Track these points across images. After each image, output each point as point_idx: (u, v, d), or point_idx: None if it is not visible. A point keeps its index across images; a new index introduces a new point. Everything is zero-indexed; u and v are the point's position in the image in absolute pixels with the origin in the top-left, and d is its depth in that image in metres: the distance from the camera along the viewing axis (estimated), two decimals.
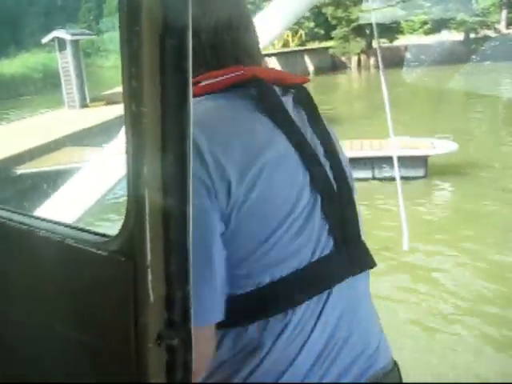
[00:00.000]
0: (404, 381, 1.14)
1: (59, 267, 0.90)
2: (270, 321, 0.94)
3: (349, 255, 1.01)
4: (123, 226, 0.74)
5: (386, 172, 8.90)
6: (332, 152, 1.06)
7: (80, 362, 0.89)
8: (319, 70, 27.82)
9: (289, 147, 0.98)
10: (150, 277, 0.73)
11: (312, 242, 0.97)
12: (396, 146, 8.93)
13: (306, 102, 1.08)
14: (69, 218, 1.86)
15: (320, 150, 1.03)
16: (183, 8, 0.63)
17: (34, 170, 9.50)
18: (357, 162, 8.86)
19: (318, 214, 0.98)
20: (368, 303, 1.08)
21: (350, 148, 9.13)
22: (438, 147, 8.95)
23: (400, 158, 8.85)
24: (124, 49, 0.65)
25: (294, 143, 0.99)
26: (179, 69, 0.65)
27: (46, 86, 28.59)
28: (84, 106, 16.01)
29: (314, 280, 0.97)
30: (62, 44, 15.80)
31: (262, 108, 0.99)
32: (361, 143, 9.42)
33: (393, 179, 9.04)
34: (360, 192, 1.15)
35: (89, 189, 2.10)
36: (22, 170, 9.45)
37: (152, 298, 0.73)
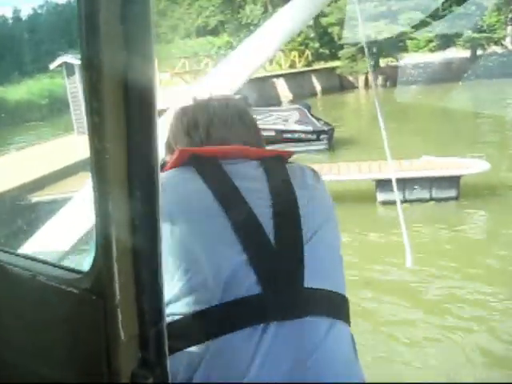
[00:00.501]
0: None
1: (30, 304, 0.89)
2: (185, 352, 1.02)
3: (276, 302, 1.07)
4: (93, 264, 0.74)
5: (417, 194, 8.52)
6: (284, 211, 1.17)
7: None
8: (327, 90, 27.62)
9: (216, 206, 1.12)
10: (120, 316, 0.72)
11: (232, 283, 1.06)
12: (425, 166, 8.68)
13: (273, 170, 1.25)
14: (62, 246, 1.85)
15: (266, 211, 1.14)
16: (146, 39, 0.63)
17: (49, 197, 9.13)
18: (387, 183, 8.50)
19: (243, 263, 1.07)
20: (330, 346, 1.09)
21: (378, 170, 8.76)
22: (471, 167, 8.54)
23: (431, 179, 8.58)
24: (85, 82, 0.64)
25: (225, 203, 1.13)
26: (144, 103, 0.64)
27: (51, 112, 28.39)
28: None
29: (231, 317, 1.05)
30: (70, 69, 15.57)
31: (201, 176, 1.18)
32: (391, 164, 9.02)
33: (426, 201, 8.79)
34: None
35: (82, 217, 2.09)
36: (36, 197, 9.08)
37: (123, 337, 0.73)
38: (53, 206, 9.13)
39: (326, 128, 13.38)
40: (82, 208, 2.11)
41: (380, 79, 30.10)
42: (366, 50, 4.54)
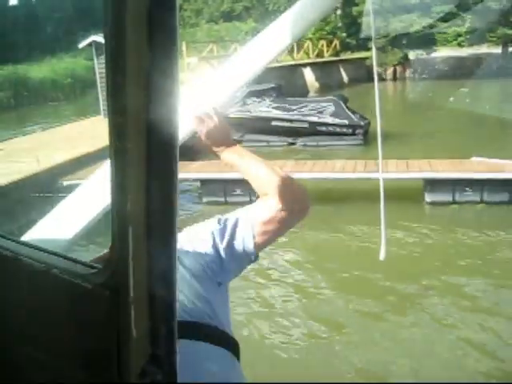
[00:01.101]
0: None
1: (43, 297, 0.91)
2: None
3: None
4: (108, 259, 0.75)
5: (468, 196, 8.09)
6: None
7: None
8: (354, 81, 27.04)
9: None
10: (133, 312, 0.73)
11: None
12: (477, 167, 8.26)
13: None
14: (68, 233, 1.82)
15: None
16: (171, 41, 0.63)
17: (80, 181, 8.79)
18: (437, 183, 8.11)
19: None
20: None
21: (429, 168, 8.34)
22: None
23: (482, 182, 8.16)
24: (109, 82, 0.65)
25: None
26: (166, 105, 0.65)
27: (74, 92, 28.16)
28: None
29: None
30: (99, 48, 15.17)
31: None
32: (441, 163, 8.59)
33: (477, 203, 8.38)
34: None
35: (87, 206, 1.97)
36: (67, 181, 8.75)
37: (135, 334, 0.74)
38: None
39: (362, 122, 12.92)
40: (86, 198, 2.03)
41: (408, 72, 29.53)
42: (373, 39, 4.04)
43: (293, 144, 13.31)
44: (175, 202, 0.69)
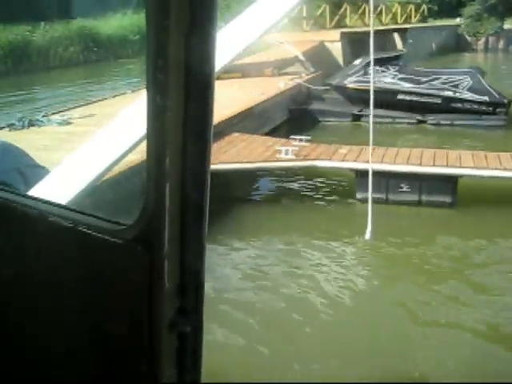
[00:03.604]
0: None
1: (70, 253, 0.95)
2: None
3: None
4: (141, 215, 0.81)
5: None
6: None
7: (92, 347, 0.95)
8: (442, 50, 24.85)
9: None
10: (166, 266, 0.79)
11: None
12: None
13: None
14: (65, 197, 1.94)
15: None
16: (210, 5, 0.70)
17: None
18: None
19: None
20: None
21: None
22: None
23: None
24: (151, 42, 0.72)
25: None
26: (204, 63, 0.72)
27: (142, 49, 26.73)
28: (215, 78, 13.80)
29: None
30: None
31: None
32: None
33: None
34: None
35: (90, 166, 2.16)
36: None
37: (167, 286, 0.80)
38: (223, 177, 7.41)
39: (504, 100, 11.14)
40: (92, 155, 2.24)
41: (501, 43, 27.12)
42: None
43: (422, 122, 11.58)
44: (208, 161, 0.79)
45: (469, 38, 27.00)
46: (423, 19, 27.12)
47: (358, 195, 7.23)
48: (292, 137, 8.19)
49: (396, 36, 24.22)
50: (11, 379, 1.11)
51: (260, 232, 6.72)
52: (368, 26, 22.93)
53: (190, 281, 0.81)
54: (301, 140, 7.97)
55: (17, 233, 1.04)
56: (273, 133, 10.62)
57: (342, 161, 7.36)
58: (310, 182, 7.95)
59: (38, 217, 0.98)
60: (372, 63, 6.44)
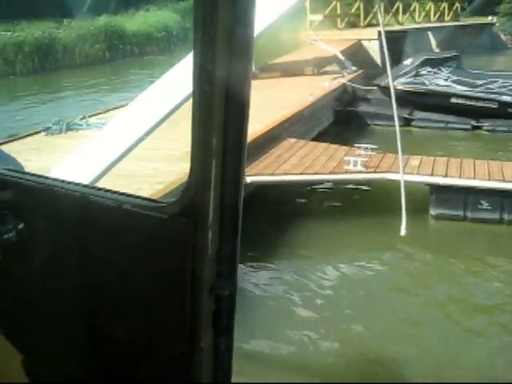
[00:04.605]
0: None
1: (115, 231, 1.05)
2: None
3: None
4: (184, 191, 0.93)
5: None
6: None
7: (142, 311, 1.05)
8: (476, 49, 24.04)
9: None
10: (210, 235, 0.91)
11: None
12: None
13: None
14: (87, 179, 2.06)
15: None
16: (250, 4, 0.83)
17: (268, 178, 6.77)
18: None
19: None
20: None
21: None
22: None
23: None
24: (201, 36, 0.83)
25: None
26: (244, 55, 0.85)
27: (168, 47, 26.23)
28: (254, 77, 13.19)
29: None
30: None
31: None
32: None
33: None
34: None
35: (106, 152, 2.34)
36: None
37: (210, 253, 0.91)
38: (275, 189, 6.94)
39: None
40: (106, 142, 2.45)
41: None
42: None
43: (477, 128, 10.87)
44: (244, 142, 0.90)
45: (504, 37, 26.14)
46: (455, 17, 26.29)
47: (433, 211, 6.67)
48: (356, 145, 7.56)
49: (430, 35, 23.51)
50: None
51: (343, 248, 6.28)
52: (402, 24, 22.35)
53: (227, 249, 0.93)
54: (366, 149, 7.32)
55: (63, 215, 1.10)
56: (321, 137, 10.03)
57: (417, 174, 6.72)
58: (375, 194, 7.35)
59: (82, 199, 1.05)
60: (388, 64, 5.82)
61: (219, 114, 0.84)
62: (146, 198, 1.02)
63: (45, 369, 1.25)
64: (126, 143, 2.45)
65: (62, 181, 1.15)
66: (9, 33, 21.12)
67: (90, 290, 1.12)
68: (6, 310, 1.24)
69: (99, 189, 1.11)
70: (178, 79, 4.17)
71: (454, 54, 11.69)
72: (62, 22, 23.07)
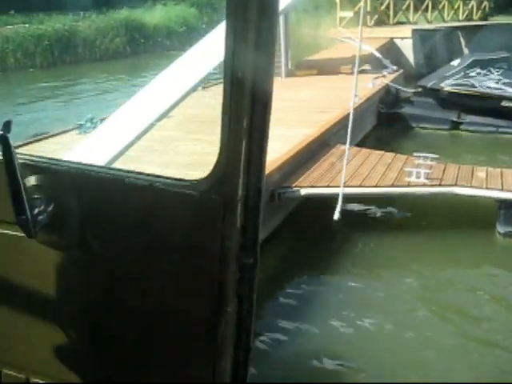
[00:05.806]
0: None
1: (146, 208, 1.11)
2: None
3: None
4: (214, 169, 1.01)
5: None
6: None
7: (174, 280, 1.13)
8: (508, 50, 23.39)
9: None
10: (239, 208, 0.99)
11: None
12: None
13: None
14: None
15: None
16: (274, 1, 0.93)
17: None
18: None
19: None
20: None
21: None
22: None
23: None
24: (234, 31, 0.93)
25: None
26: (268, 46, 0.95)
27: (189, 42, 25.67)
28: (290, 74, 12.62)
29: None
30: None
31: None
32: None
33: None
34: None
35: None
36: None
37: (238, 225, 0.99)
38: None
39: None
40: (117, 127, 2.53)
41: None
42: None
43: None
44: (268, 124, 0.98)
45: None
46: (484, 16, 25.62)
47: (501, 229, 6.09)
48: (416, 154, 6.88)
49: (460, 34, 22.87)
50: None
51: (414, 263, 5.83)
52: (430, 22, 21.71)
53: (251, 222, 1.01)
54: (425, 158, 6.67)
55: (96, 198, 1.16)
56: (364, 141, 9.49)
57: (487, 188, 6.14)
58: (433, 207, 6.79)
59: (114, 180, 1.13)
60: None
61: (247, 99, 0.94)
62: (175, 178, 1.07)
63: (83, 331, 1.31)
64: (141, 126, 2.51)
65: (93, 165, 1.21)
66: (27, 25, 20.65)
67: (123, 266, 1.18)
68: (39, 285, 1.28)
69: (130, 171, 1.14)
70: (192, 63, 3.84)
71: (503, 55, 11.10)
72: (80, 15, 22.61)
